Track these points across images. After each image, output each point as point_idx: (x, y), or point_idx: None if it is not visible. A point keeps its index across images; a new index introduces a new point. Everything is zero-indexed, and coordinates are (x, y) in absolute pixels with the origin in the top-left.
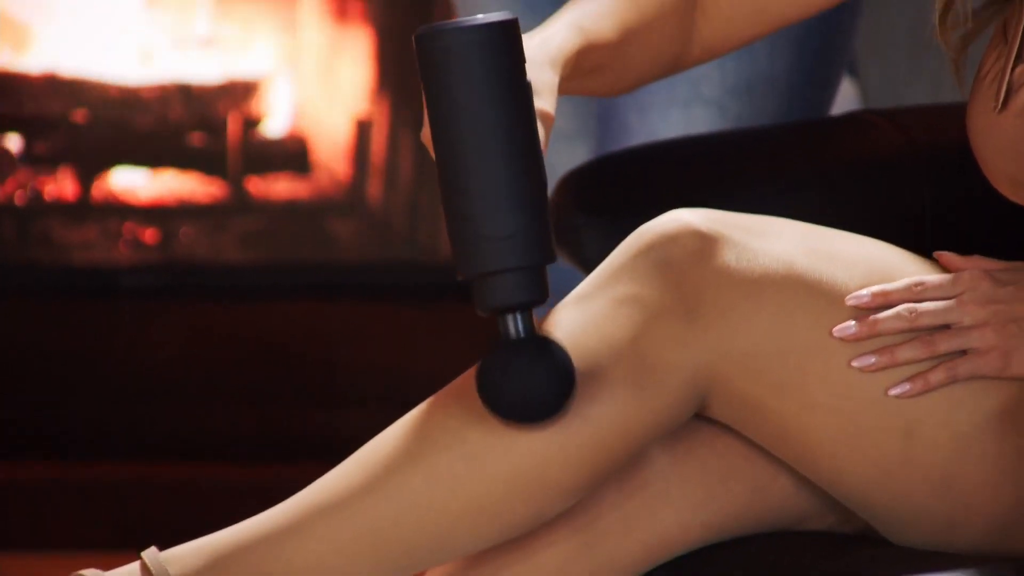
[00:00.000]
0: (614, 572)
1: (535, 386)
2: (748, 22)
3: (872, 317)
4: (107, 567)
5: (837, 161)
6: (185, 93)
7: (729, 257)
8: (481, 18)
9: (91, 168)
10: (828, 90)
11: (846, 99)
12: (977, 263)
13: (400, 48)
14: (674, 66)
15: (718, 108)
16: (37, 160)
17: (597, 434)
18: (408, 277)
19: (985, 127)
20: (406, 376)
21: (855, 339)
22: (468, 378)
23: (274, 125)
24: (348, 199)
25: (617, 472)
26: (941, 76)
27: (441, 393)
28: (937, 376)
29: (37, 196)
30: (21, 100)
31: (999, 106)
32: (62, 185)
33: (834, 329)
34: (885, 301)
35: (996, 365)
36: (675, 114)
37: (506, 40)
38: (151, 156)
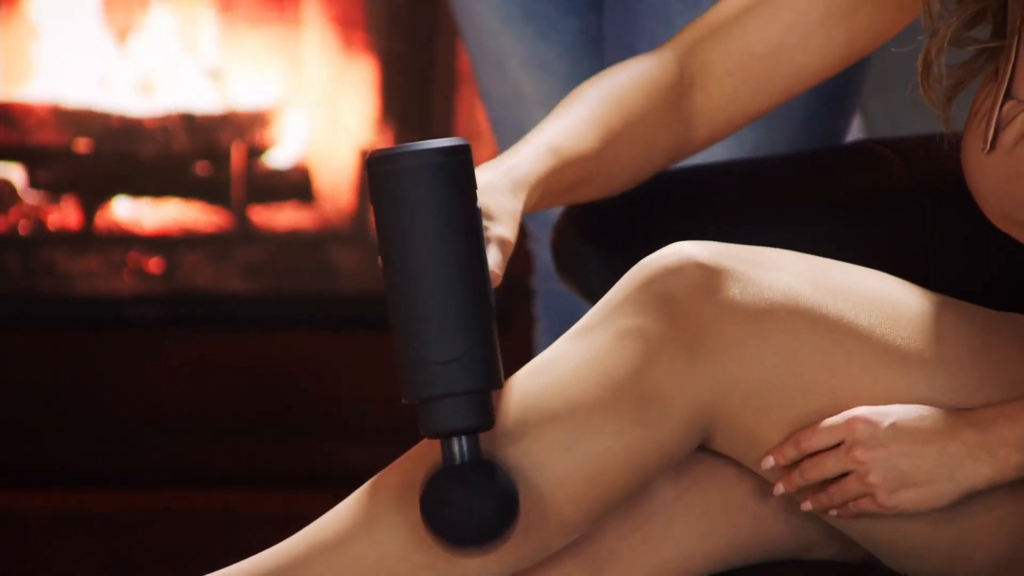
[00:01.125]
0: None
1: (476, 514)
2: (753, 96)
3: (787, 479)
4: None
5: (841, 191)
6: (188, 123)
7: (733, 290)
8: (433, 143)
9: (94, 198)
10: (845, 119)
11: (851, 130)
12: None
13: (404, 79)
14: (675, 155)
15: (735, 138)
16: (40, 190)
17: (600, 468)
18: None
19: (977, 166)
20: (408, 408)
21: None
22: None
23: (278, 155)
24: (352, 229)
25: (621, 504)
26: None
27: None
28: (832, 514)
29: (40, 226)
30: (24, 130)
31: (987, 147)
32: (65, 215)
33: (765, 466)
34: (785, 460)
35: (887, 507)
36: None
37: (456, 166)
38: (154, 186)
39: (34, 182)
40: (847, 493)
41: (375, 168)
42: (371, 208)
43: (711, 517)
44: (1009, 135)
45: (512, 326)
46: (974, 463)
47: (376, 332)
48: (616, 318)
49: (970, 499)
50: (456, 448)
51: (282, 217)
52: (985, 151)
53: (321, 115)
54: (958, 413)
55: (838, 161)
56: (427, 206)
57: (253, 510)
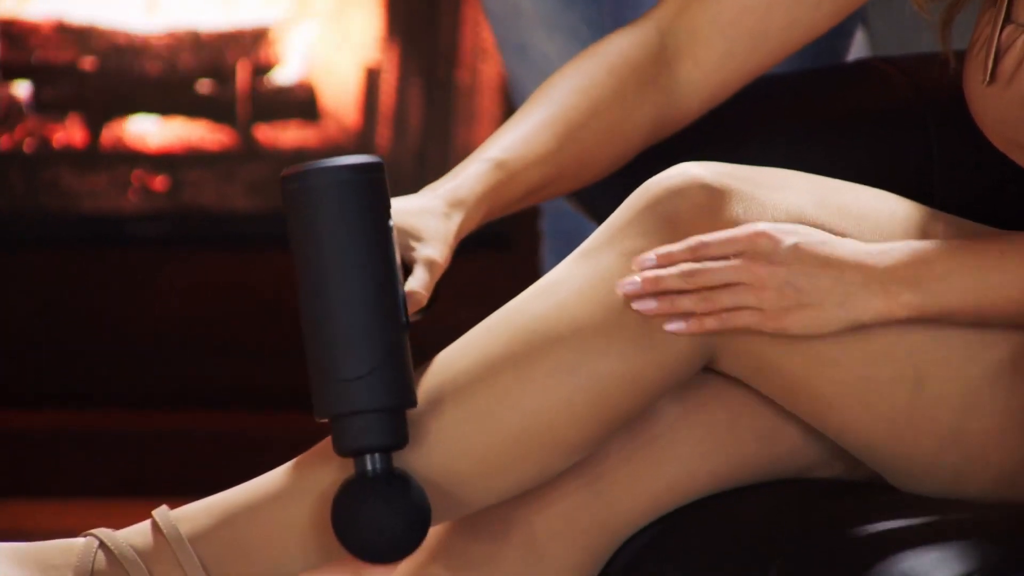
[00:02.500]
0: (623, 522)
1: (387, 528)
2: (748, 55)
3: (655, 274)
4: (117, 514)
5: (846, 109)
6: (194, 41)
7: (737, 210)
8: (343, 160)
9: (100, 116)
10: (845, 38)
11: (855, 48)
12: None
13: None
14: (659, 131)
15: None
16: (46, 108)
17: (604, 390)
18: None
19: (979, 95)
20: (415, 323)
21: (638, 295)
22: (472, 336)
23: (283, 73)
24: (357, 147)
25: (626, 425)
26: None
27: (444, 354)
28: (711, 323)
29: (46, 144)
30: (30, 47)
31: (987, 77)
32: (71, 133)
33: (618, 283)
34: (669, 261)
35: (771, 325)
36: None
37: (364, 184)
38: (160, 104)
39: (39, 100)
40: (736, 300)
41: (286, 185)
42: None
43: (716, 437)
44: (1009, 61)
45: (518, 245)
46: (866, 294)
47: None
48: (621, 240)
49: (975, 417)
50: (368, 465)
51: (287, 135)
52: (985, 82)
53: (326, 33)
54: (859, 244)
55: (843, 80)
56: (336, 224)
57: (259, 430)
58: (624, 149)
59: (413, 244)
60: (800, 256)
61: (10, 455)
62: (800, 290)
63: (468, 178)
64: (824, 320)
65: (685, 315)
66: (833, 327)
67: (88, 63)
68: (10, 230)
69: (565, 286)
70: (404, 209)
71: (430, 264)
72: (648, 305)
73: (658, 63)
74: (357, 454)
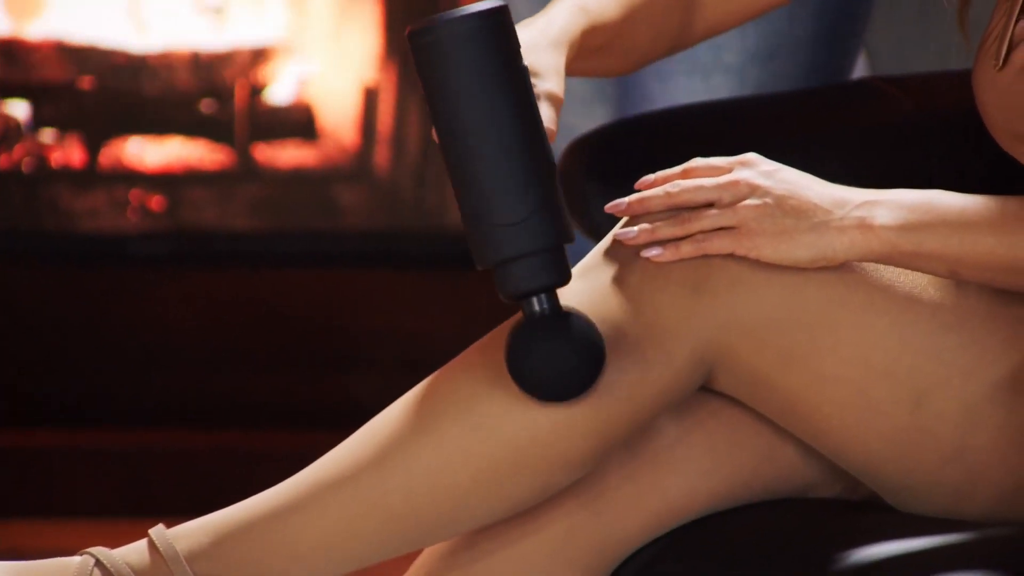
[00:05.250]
0: (622, 541)
1: (565, 365)
2: None
3: (640, 196)
4: (115, 533)
5: (846, 128)
6: (193, 60)
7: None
8: (470, 8)
9: (98, 135)
10: (848, 57)
11: (855, 66)
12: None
13: (408, 15)
14: (676, 44)
15: (739, 75)
16: (44, 127)
17: (603, 407)
18: (414, 245)
19: (988, 83)
20: (412, 343)
21: (626, 214)
22: (475, 352)
23: (281, 92)
24: (355, 167)
25: (624, 444)
26: (948, 44)
27: (448, 367)
28: (687, 248)
29: (44, 163)
30: (29, 67)
31: (1000, 63)
32: (69, 152)
33: (607, 206)
34: (656, 180)
35: (746, 245)
36: (697, 81)
37: (496, 28)
38: (158, 123)
39: (38, 119)
40: (714, 222)
41: (418, 40)
42: (419, 81)
43: (715, 456)
44: (1021, 53)
45: None
46: (842, 222)
47: (379, 268)
48: (619, 257)
49: (975, 435)
50: (536, 306)
51: (285, 154)
52: (997, 67)
53: (324, 53)
54: (848, 189)
55: (843, 98)
56: (474, 71)
57: (257, 447)
58: (656, 48)
59: (533, 80)
60: (783, 179)
61: (8, 474)
62: (775, 212)
63: (560, 17)
64: (798, 247)
65: (665, 245)
66: (807, 256)
67: (87, 83)
68: (9, 249)
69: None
70: None
71: (552, 98)
72: (629, 234)
73: None
74: (525, 296)
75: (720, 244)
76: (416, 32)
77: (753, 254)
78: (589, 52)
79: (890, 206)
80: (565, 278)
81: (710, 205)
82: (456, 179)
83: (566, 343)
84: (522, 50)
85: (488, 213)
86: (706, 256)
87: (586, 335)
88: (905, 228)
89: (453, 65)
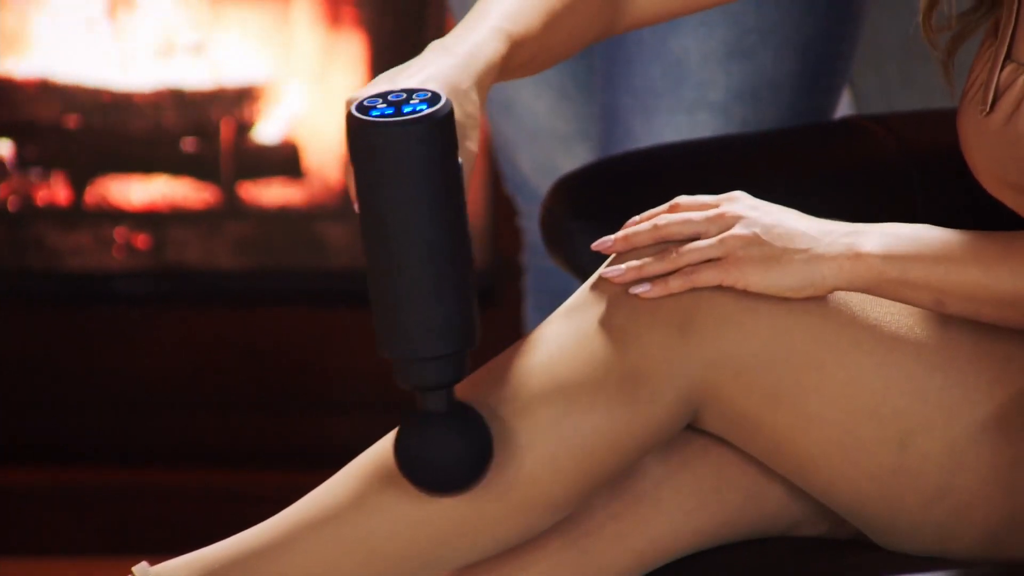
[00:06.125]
0: None
1: (452, 459)
2: None
3: (624, 232)
4: (99, 571)
5: (831, 166)
6: (178, 98)
7: None
8: (415, 113)
9: (84, 173)
10: (832, 96)
11: (840, 105)
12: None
13: (393, 54)
14: (602, 36)
15: (724, 113)
16: (29, 165)
17: (588, 447)
18: None
19: (974, 130)
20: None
21: (612, 251)
22: (471, 383)
23: (267, 131)
24: (340, 205)
25: (610, 484)
26: (933, 83)
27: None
28: (676, 283)
29: (29, 201)
30: (13, 105)
31: (987, 109)
32: (54, 190)
33: (594, 244)
34: (642, 220)
35: (734, 275)
36: (681, 119)
37: (443, 133)
38: (144, 161)
39: (23, 158)
40: (702, 255)
41: (359, 133)
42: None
43: (701, 495)
44: (1008, 100)
45: (502, 302)
46: (831, 251)
47: (364, 307)
48: (605, 296)
49: (960, 475)
50: (430, 399)
51: (271, 193)
52: (984, 113)
53: (310, 91)
54: (834, 222)
55: (828, 137)
56: (412, 177)
57: (242, 486)
58: (577, 45)
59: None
60: (769, 211)
61: None
62: (765, 243)
63: (482, 49)
64: (786, 275)
65: (654, 280)
66: (795, 283)
67: (72, 121)
68: None
69: (549, 343)
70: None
71: (469, 158)
72: (617, 271)
73: None
74: (421, 391)
75: (708, 276)
76: (360, 126)
77: (741, 283)
78: (512, 69)
79: (877, 234)
80: (463, 374)
81: (697, 239)
82: (374, 268)
83: (455, 435)
84: (445, 90)
85: (405, 311)
86: (694, 292)
87: (476, 431)
88: (892, 256)
89: (394, 169)
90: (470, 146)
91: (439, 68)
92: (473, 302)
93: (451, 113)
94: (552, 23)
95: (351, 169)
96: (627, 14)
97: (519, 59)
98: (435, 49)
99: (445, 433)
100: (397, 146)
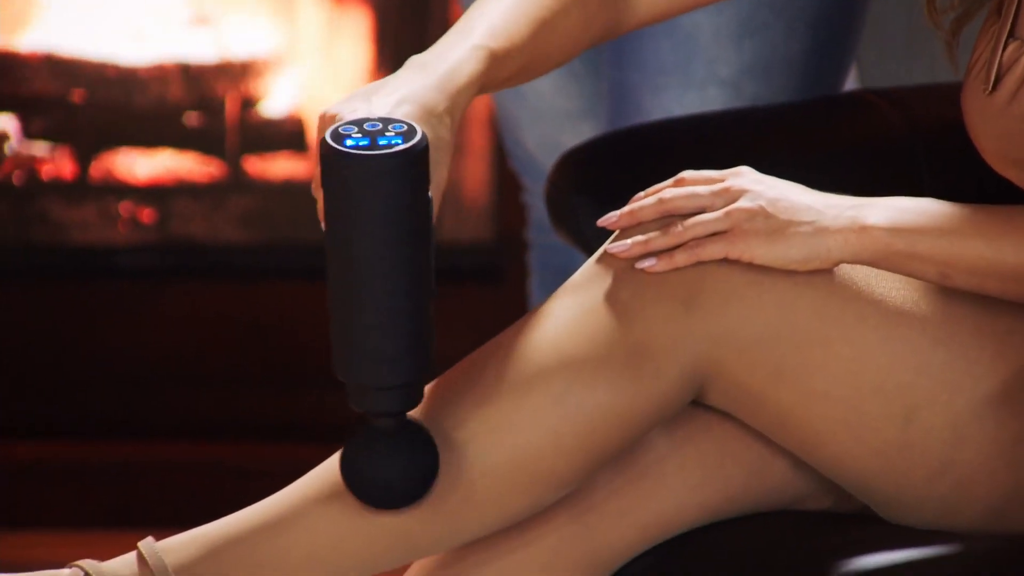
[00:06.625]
0: (611, 555)
1: (395, 477)
2: None
3: (630, 207)
4: (103, 545)
5: (836, 141)
6: (183, 73)
7: None
8: (390, 147)
9: (88, 148)
10: (841, 71)
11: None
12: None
13: (399, 28)
14: (605, 37)
15: (734, 89)
16: (34, 140)
17: (593, 422)
18: None
19: (978, 109)
20: None
21: (617, 227)
22: (460, 370)
23: (272, 105)
24: None
25: (614, 459)
26: (939, 58)
27: (432, 387)
28: (681, 256)
29: (34, 176)
30: (18, 80)
31: (990, 88)
32: (59, 165)
33: (599, 220)
34: (648, 195)
35: (740, 247)
36: (691, 95)
37: (415, 168)
38: (149, 136)
39: (28, 132)
40: (707, 228)
41: (333, 163)
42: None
43: (705, 470)
44: (1011, 78)
45: (506, 279)
46: (836, 223)
47: None
48: (610, 271)
49: (964, 449)
50: (381, 422)
51: (276, 167)
52: (987, 92)
53: (315, 65)
54: (839, 196)
55: (834, 111)
56: (383, 211)
57: (248, 460)
58: (574, 52)
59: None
60: (775, 184)
61: None
62: (770, 216)
63: (463, 65)
64: (791, 247)
65: (659, 256)
66: (800, 256)
67: (77, 95)
68: None
69: (553, 319)
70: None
71: (440, 183)
72: (622, 246)
73: None
74: (371, 415)
75: (713, 249)
76: (333, 157)
77: (746, 256)
78: (498, 83)
79: (882, 208)
80: (416, 403)
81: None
82: (336, 292)
83: (402, 456)
84: (419, 114)
85: (364, 341)
86: (700, 267)
87: (422, 451)
88: (897, 229)
89: (367, 203)
90: (441, 171)
91: (414, 90)
92: (431, 334)
93: (426, 148)
94: (542, 31)
95: (320, 192)
96: (632, 15)
97: (505, 73)
98: (413, 67)
99: (389, 452)
100: (369, 179)
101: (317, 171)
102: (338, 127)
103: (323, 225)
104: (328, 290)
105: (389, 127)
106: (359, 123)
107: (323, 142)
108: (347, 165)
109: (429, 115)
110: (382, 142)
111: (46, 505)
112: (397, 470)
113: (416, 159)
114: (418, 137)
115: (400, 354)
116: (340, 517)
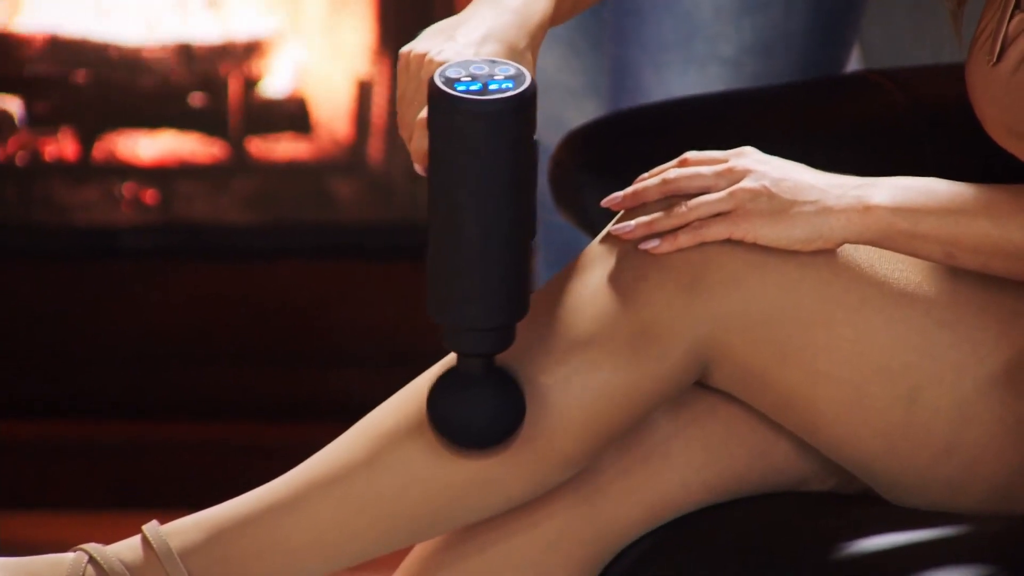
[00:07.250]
0: (616, 535)
1: (485, 420)
2: None
3: (634, 188)
4: (108, 526)
5: (839, 120)
6: (186, 53)
7: None
8: (503, 92)
9: (92, 129)
10: (844, 49)
11: (850, 59)
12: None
13: (402, 8)
14: None
15: (735, 67)
16: (38, 121)
17: (598, 402)
18: (409, 237)
19: (982, 80)
20: (406, 336)
21: (621, 207)
22: None
23: (275, 85)
24: (349, 159)
25: (619, 439)
26: (943, 38)
27: (440, 365)
28: (684, 237)
29: (37, 157)
30: (21, 61)
31: (994, 59)
32: (63, 146)
33: (603, 201)
34: (651, 176)
35: (743, 228)
36: (692, 73)
37: (528, 113)
38: (152, 117)
39: (31, 113)
40: (711, 209)
41: (451, 107)
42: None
43: (710, 451)
44: (1016, 50)
45: None
46: (839, 204)
47: (374, 262)
48: (614, 252)
49: (969, 430)
50: (472, 363)
51: (279, 147)
52: (991, 63)
53: (318, 45)
54: (843, 176)
55: (837, 91)
56: (493, 158)
57: (251, 441)
58: None
59: None
60: (778, 165)
61: (1, 466)
62: (774, 196)
63: (536, 2)
64: (795, 227)
65: (663, 236)
66: (804, 235)
67: (80, 76)
68: (2, 243)
69: (558, 299)
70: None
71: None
72: (626, 228)
73: None
74: (465, 356)
75: (717, 230)
76: (448, 100)
77: (750, 236)
78: (560, 18)
79: (886, 187)
80: (508, 345)
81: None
82: (439, 234)
83: (493, 399)
84: (505, 51)
85: (465, 282)
86: (704, 248)
87: (512, 391)
88: (901, 208)
89: (476, 148)
90: None
91: (495, 28)
92: (528, 277)
93: (535, 92)
94: None
95: (422, 134)
96: None
97: (563, 9)
98: (486, 2)
99: (481, 394)
100: (483, 125)
101: (407, 111)
102: (445, 70)
103: (419, 167)
104: (430, 232)
105: (496, 70)
106: (464, 65)
107: (435, 87)
108: (460, 110)
109: (513, 53)
110: (492, 86)
111: (50, 485)
112: (488, 410)
113: (527, 103)
114: (528, 81)
115: (498, 294)
116: (344, 501)
